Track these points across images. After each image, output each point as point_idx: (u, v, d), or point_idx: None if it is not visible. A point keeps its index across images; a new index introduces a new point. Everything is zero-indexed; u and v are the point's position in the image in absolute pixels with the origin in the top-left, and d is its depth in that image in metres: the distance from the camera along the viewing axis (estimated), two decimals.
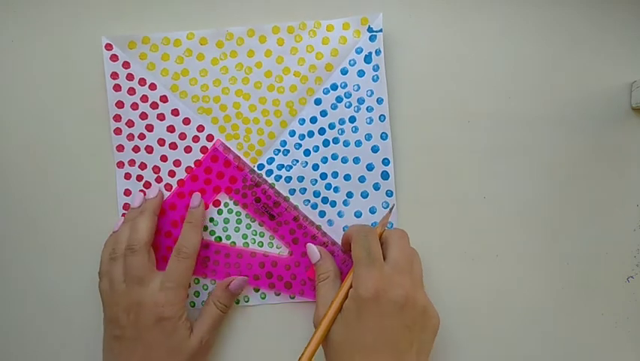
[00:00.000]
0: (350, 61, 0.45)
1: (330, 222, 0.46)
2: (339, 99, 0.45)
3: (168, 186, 0.46)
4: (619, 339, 0.46)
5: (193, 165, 0.46)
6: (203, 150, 0.46)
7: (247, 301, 0.46)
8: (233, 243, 0.46)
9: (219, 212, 0.46)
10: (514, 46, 0.46)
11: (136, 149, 0.46)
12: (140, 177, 0.46)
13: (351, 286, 0.40)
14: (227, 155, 0.46)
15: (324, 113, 0.45)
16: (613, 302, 0.46)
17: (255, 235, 0.46)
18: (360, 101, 0.45)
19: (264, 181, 0.46)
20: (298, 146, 0.46)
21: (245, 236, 0.46)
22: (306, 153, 0.46)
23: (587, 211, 0.46)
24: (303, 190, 0.46)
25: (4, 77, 0.47)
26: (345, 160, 0.45)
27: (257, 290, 0.46)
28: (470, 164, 0.46)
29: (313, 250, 0.44)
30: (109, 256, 0.43)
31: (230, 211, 0.46)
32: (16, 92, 0.47)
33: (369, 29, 0.45)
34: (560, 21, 0.46)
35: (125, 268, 0.42)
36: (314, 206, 0.46)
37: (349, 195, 0.46)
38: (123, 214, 0.45)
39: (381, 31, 0.45)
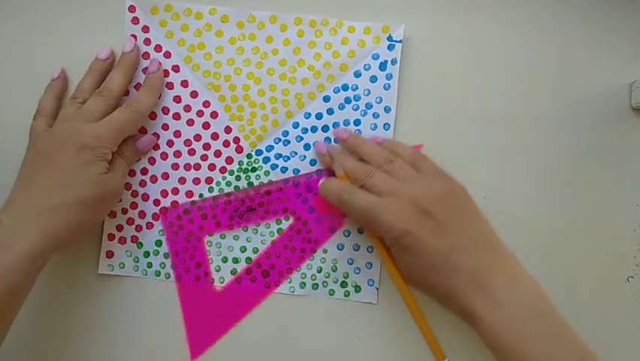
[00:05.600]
0: (365, 65, 0.45)
1: (317, 219, 0.46)
2: (347, 100, 0.45)
3: (164, 155, 0.46)
4: (619, 339, 0.46)
5: (192, 139, 0.46)
6: (205, 125, 0.46)
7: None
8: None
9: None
10: (514, 46, 0.46)
11: None
12: None
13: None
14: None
15: (330, 112, 0.46)
16: (613, 302, 0.46)
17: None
18: (368, 106, 0.45)
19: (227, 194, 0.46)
20: (299, 139, 0.46)
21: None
22: (306, 147, 0.46)
23: (587, 211, 0.46)
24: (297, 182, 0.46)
25: (4, 77, 0.46)
26: None
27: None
28: (470, 164, 0.46)
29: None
30: (53, 97, 0.44)
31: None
32: (16, 92, 0.46)
33: (389, 38, 0.45)
34: (560, 21, 0.46)
35: (84, 106, 0.42)
36: (305, 201, 0.46)
37: None
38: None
39: (401, 41, 0.45)
